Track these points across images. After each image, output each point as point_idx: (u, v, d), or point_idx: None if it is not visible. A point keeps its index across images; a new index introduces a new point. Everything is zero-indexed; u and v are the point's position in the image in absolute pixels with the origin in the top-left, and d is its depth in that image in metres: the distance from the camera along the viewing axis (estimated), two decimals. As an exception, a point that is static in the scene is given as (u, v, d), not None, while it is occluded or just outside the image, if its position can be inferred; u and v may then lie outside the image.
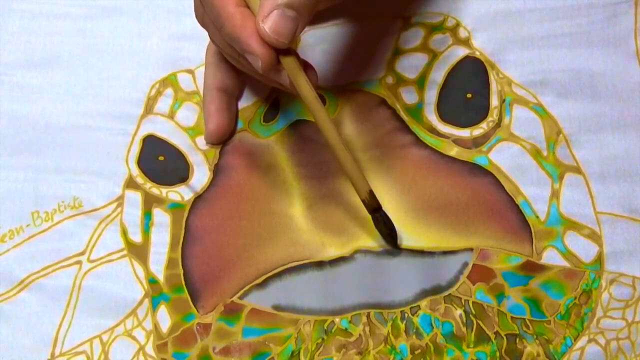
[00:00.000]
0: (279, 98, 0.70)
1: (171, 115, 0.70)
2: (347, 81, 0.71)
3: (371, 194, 0.61)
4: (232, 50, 0.61)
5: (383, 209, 0.62)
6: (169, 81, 0.71)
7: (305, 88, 0.59)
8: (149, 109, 0.70)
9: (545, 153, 0.68)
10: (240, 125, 0.70)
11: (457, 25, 0.71)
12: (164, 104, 0.70)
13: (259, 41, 0.56)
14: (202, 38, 0.67)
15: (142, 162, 0.69)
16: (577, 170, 0.67)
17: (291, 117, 0.69)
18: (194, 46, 0.71)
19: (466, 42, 0.71)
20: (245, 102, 0.71)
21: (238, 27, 0.57)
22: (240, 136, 0.69)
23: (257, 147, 0.69)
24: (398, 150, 0.68)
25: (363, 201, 0.62)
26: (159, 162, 0.69)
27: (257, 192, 0.67)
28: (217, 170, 0.68)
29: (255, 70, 0.59)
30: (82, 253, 0.66)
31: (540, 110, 0.69)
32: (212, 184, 0.68)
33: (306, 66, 0.61)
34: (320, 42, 0.72)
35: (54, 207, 0.68)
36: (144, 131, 0.70)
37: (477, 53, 0.70)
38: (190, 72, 0.72)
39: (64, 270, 0.66)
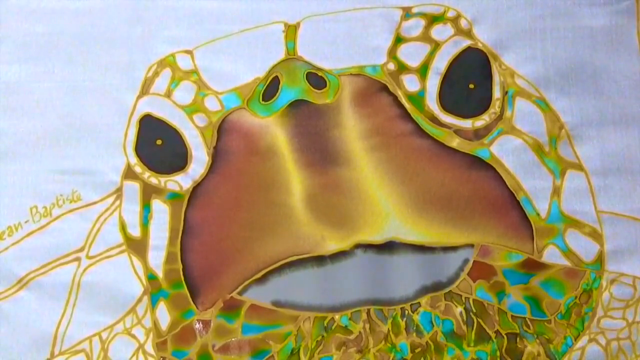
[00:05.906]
0: (279, 77, 0.69)
1: (168, 94, 0.69)
2: (348, 65, 0.70)
3: None
4: None
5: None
6: (167, 62, 0.70)
7: None
8: (145, 90, 0.69)
9: (547, 148, 0.67)
10: (238, 103, 0.69)
11: (458, 16, 0.70)
12: (160, 84, 0.70)
13: None
14: (200, 21, 0.68)
15: (139, 148, 0.68)
16: (579, 167, 0.67)
17: (291, 97, 0.68)
18: (192, 30, 0.70)
19: (468, 33, 0.70)
20: (245, 79, 0.70)
21: None
22: (239, 114, 0.68)
23: (255, 128, 0.68)
24: (399, 139, 0.67)
25: None
26: (157, 147, 0.68)
27: (256, 180, 0.67)
28: (215, 154, 0.68)
29: None
30: (81, 249, 0.66)
31: (542, 104, 0.68)
32: (210, 169, 0.67)
33: None
34: (322, 26, 0.71)
35: (52, 201, 0.67)
36: (140, 111, 0.69)
37: (480, 44, 0.70)
38: (189, 52, 0.70)
39: (63, 267, 0.66)
